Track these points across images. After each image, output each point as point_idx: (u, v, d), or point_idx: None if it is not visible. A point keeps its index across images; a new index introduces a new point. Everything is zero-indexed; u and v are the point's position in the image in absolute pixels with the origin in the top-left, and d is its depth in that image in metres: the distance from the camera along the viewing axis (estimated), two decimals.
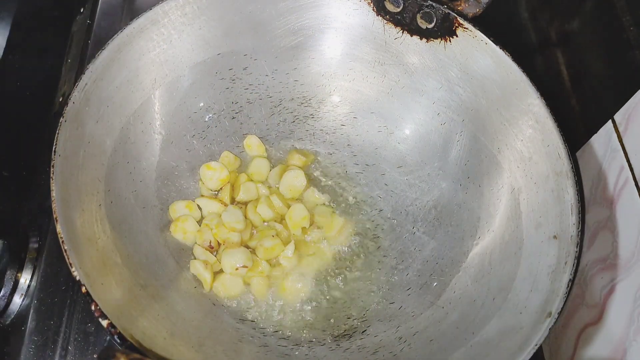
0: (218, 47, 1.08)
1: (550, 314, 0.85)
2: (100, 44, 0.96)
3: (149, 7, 1.00)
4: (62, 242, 0.80)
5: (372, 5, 1.07)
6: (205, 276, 1.01)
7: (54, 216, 0.81)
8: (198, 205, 1.08)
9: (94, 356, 0.99)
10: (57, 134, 0.87)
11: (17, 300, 1.02)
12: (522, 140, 1.00)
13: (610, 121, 0.92)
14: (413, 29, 1.06)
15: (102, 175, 0.94)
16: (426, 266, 1.06)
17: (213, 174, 1.09)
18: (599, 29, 1.01)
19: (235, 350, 0.95)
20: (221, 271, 1.03)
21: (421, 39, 1.06)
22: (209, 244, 1.04)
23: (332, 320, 1.02)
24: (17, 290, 1.02)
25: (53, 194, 0.82)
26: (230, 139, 1.14)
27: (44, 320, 1.00)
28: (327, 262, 1.07)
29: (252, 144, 1.14)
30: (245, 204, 1.10)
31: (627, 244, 0.87)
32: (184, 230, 1.04)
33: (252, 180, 1.11)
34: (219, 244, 1.05)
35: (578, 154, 1.01)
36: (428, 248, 1.07)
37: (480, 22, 1.02)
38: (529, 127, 0.99)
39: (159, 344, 0.83)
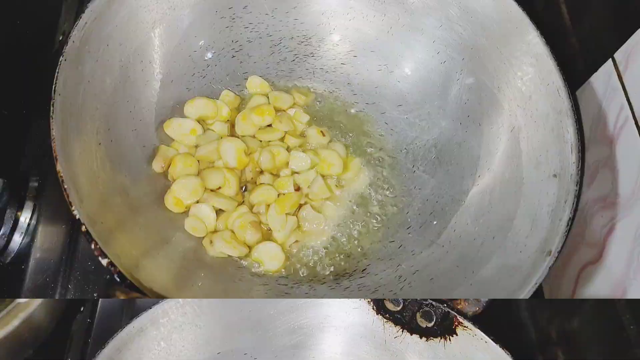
0: None
1: (550, 252, 0.86)
2: None
3: None
4: (62, 180, 0.80)
5: None
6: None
7: (54, 155, 0.81)
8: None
9: (94, 295, 1.00)
10: (57, 73, 0.86)
11: (17, 239, 1.01)
12: (522, 78, 0.99)
13: (610, 60, 0.92)
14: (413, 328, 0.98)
15: (102, 114, 0.93)
16: (426, 205, 1.06)
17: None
18: None
19: (236, 289, 0.96)
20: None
21: None
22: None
23: (332, 259, 1.02)
24: (17, 228, 1.02)
25: (53, 132, 0.82)
26: (231, 78, 1.13)
27: (44, 259, 1.01)
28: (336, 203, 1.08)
29: (255, 84, 1.14)
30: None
31: (627, 183, 0.87)
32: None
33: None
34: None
35: (578, 92, 1.00)
36: (428, 187, 1.07)
37: None
38: (528, 65, 0.98)
39: (158, 282, 0.84)
